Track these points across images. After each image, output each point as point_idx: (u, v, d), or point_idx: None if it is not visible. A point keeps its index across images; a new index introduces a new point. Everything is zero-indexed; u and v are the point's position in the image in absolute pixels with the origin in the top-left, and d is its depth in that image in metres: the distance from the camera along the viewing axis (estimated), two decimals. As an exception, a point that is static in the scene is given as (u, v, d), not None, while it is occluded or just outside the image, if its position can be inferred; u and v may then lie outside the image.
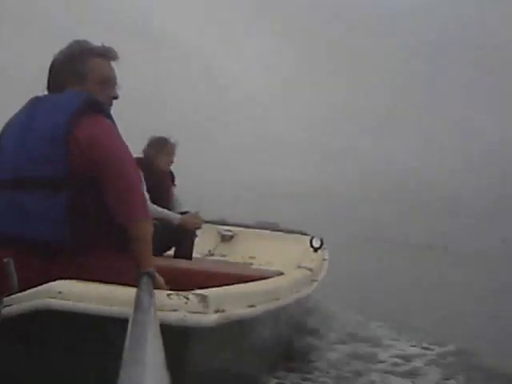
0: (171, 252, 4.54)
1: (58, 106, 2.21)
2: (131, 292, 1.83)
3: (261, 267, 4.42)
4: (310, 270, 3.62)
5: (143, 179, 4.71)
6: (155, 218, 4.52)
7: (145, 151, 4.93)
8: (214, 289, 2.02)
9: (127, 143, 2.26)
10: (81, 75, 2.33)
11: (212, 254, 5.71)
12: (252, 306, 2.21)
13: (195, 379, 1.84)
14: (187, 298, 1.80)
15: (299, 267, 3.59)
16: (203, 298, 1.86)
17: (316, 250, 4.69)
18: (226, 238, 6.02)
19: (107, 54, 2.40)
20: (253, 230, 6.27)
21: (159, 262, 3.70)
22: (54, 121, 2.16)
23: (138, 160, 4.85)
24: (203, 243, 5.82)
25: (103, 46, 2.40)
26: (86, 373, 1.78)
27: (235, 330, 2.15)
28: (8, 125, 2.31)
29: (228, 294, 2.08)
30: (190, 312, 1.76)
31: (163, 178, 4.75)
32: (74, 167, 2.12)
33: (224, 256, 5.62)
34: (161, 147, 4.77)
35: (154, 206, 4.57)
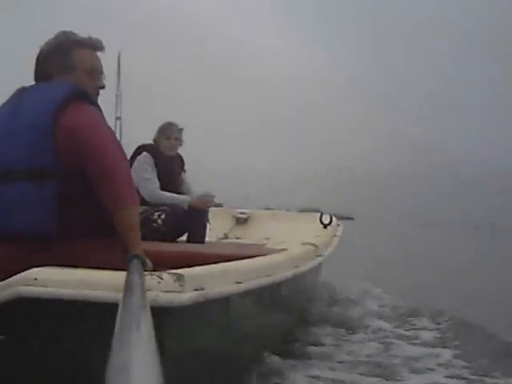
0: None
1: (45, 96, 2.23)
2: (109, 275, 1.84)
3: (271, 247, 4.40)
4: (314, 245, 3.59)
5: (153, 165, 4.75)
6: (165, 204, 4.57)
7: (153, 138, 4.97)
8: (194, 268, 2.02)
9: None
10: (68, 66, 2.35)
11: (227, 238, 5.73)
12: (239, 283, 2.20)
13: (175, 359, 1.84)
14: (161, 278, 1.79)
15: (302, 244, 3.57)
16: (179, 277, 1.85)
17: (325, 226, 4.66)
18: (240, 221, 6.03)
19: (94, 45, 2.44)
20: (267, 212, 6.27)
21: (167, 247, 3.76)
22: (40, 110, 2.17)
23: (147, 146, 4.89)
24: (218, 227, 5.84)
25: (90, 38, 2.43)
26: (67, 359, 1.79)
27: (222, 308, 2.14)
28: None
29: (210, 272, 2.07)
30: (163, 291, 1.76)
31: (169, 162, 4.75)
32: (60, 156, 2.13)
33: (239, 239, 5.62)
34: (161, 131, 4.78)
35: (162, 192, 4.60)
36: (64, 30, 2.43)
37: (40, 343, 1.78)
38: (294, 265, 2.90)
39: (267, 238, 5.39)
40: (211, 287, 1.99)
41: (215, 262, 2.28)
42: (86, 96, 2.26)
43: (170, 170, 4.76)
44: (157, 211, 4.47)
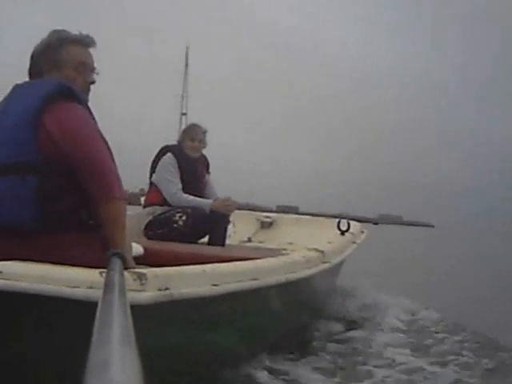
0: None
1: (31, 92, 2.29)
2: (71, 271, 1.86)
3: (287, 252, 4.36)
4: (321, 251, 3.54)
5: (177, 167, 4.78)
6: (187, 206, 4.59)
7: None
8: (162, 268, 2.03)
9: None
10: (57, 62, 2.41)
11: (250, 241, 5.72)
12: (215, 286, 2.20)
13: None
14: (120, 276, 1.80)
15: (308, 249, 3.53)
16: (140, 276, 1.87)
17: (343, 232, 4.61)
18: (265, 225, 6.01)
19: (83, 41, 2.48)
20: (292, 216, 6.25)
21: (177, 247, 3.79)
22: (24, 106, 2.23)
23: (171, 147, 4.93)
24: (243, 230, 5.85)
25: (80, 34, 2.48)
26: (33, 354, 1.81)
27: (192, 310, 2.13)
28: None
29: (180, 273, 2.07)
30: (121, 290, 1.77)
31: (193, 164, 4.77)
32: (43, 151, 2.18)
33: (262, 242, 5.61)
34: (185, 132, 4.82)
35: (184, 194, 4.63)
36: (56, 29, 2.48)
37: (2, 336, 1.81)
38: (287, 270, 2.86)
39: (290, 243, 5.36)
40: (180, 288, 1.99)
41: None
42: (72, 93, 2.30)
43: (193, 171, 4.79)
44: (178, 212, 4.50)
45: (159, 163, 4.77)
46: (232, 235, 5.48)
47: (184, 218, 4.47)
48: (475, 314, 5.14)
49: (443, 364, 3.26)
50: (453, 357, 3.41)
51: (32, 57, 2.46)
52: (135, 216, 4.49)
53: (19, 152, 2.19)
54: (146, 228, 4.52)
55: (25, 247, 2.15)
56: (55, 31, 2.48)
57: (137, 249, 2.97)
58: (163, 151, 4.86)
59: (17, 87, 2.39)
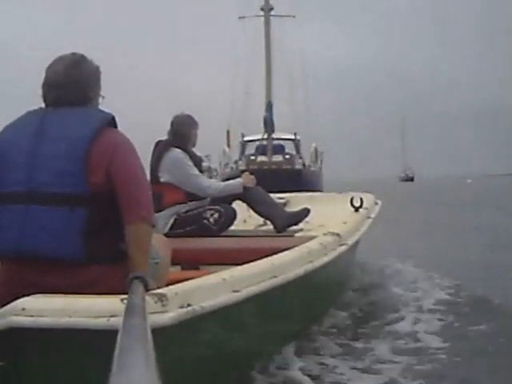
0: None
1: (79, 123, 2.27)
2: (97, 301, 1.87)
3: (304, 235, 4.37)
4: (337, 235, 3.54)
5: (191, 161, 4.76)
6: (218, 199, 4.60)
7: None
8: (179, 284, 2.04)
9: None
10: (99, 89, 2.44)
11: (266, 224, 5.71)
12: (236, 292, 2.20)
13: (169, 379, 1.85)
14: (141, 300, 1.81)
15: (324, 234, 3.52)
16: (161, 297, 1.87)
17: (357, 209, 4.59)
18: (279, 206, 5.99)
19: None
20: (304, 195, 6.23)
21: (202, 243, 3.80)
22: (76, 138, 2.21)
23: (169, 141, 4.85)
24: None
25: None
26: None
27: (216, 321, 2.14)
28: (5, 138, 2.31)
29: (200, 286, 2.08)
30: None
31: (195, 154, 4.80)
32: (92, 184, 2.18)
33: (278, 224, 5.59)
34: (193, 123, 4.79)
35: (217, 183, 4.65)
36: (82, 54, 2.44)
37: (30, 372, 1.83)
38: (305, 261, 2.86)
39: (307, 222, 5.36)
40: (201, 301, 1.99)
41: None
42: (114, 121, 2.34)
43: (199, 162, 4.79)
44: (210, 209, 4.46)
45: (170, 161, 4.51)
46: (247, 220, 5.48)
47: (216, 215, 4.43)
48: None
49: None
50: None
51: (69, 82, 2.35)
52: (157, 217, 4.40)
53: (69, 183, 2.18)
54: (171, 228, 4.40)
55: (64, 279, 2.15)
56: (86, 57, 2.42)
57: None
58: (165, 148, 4.68)
59: (48, 113, 2.32)
